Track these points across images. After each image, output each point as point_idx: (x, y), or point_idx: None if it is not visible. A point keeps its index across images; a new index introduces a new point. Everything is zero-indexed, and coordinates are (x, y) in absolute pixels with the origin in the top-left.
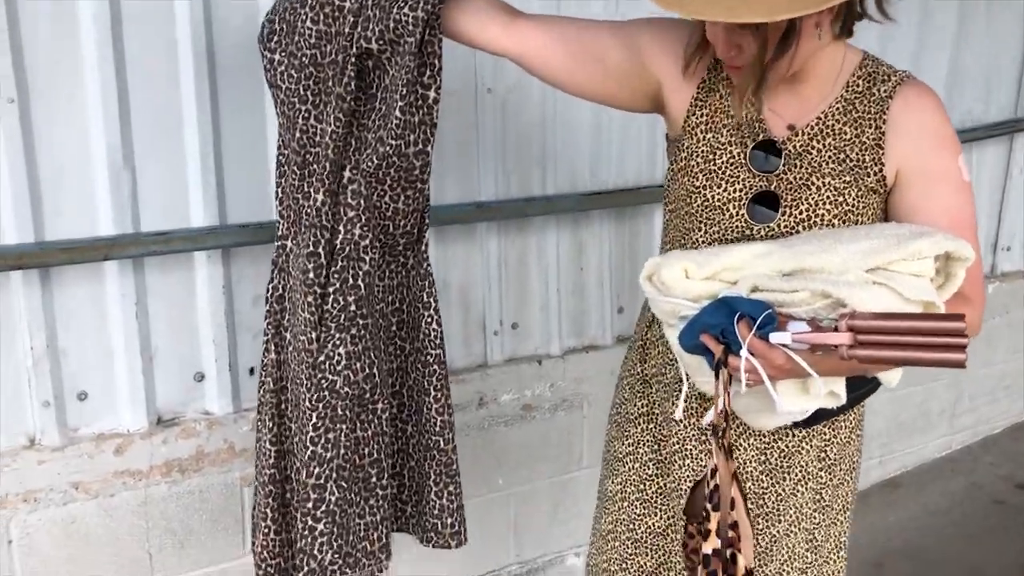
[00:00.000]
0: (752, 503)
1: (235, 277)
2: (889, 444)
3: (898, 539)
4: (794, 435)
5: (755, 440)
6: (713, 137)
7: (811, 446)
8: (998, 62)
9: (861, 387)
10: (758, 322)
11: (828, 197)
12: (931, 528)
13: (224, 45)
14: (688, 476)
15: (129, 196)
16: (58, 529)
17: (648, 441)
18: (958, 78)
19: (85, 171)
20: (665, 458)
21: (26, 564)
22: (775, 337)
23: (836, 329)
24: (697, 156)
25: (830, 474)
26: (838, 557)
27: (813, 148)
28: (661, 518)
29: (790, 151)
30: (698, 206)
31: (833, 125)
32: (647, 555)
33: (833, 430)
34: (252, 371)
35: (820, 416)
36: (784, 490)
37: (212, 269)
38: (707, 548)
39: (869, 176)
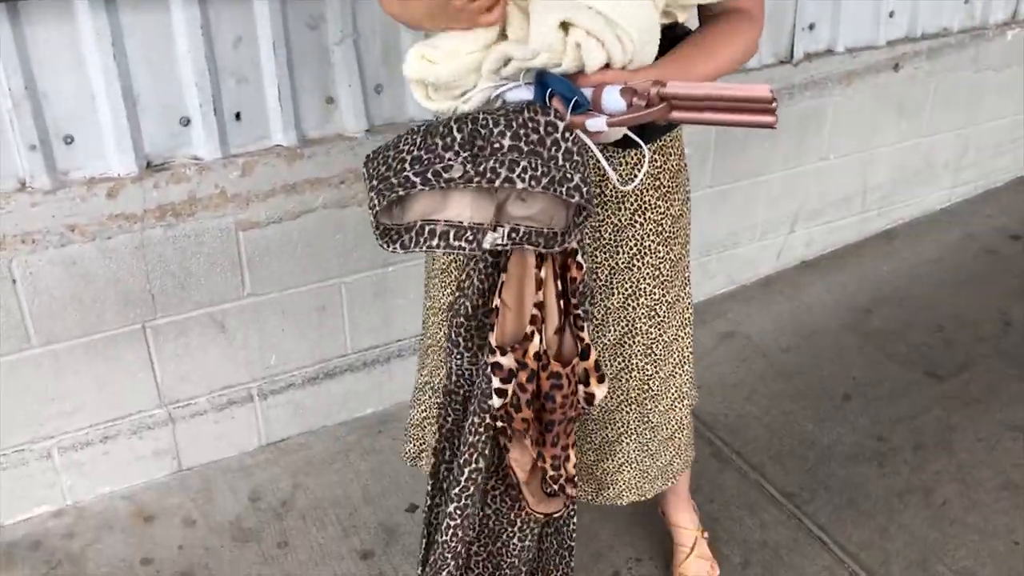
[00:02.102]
0: (588, 236)
1: (213, 18)
2: (890, 196)
3: (888, 287)
4: (626, 162)
5: None
6: None
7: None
8: None
9: None
10: (570, 104)
11: None
12: (921, 276)
13: None
14: None
15: None
16: (60, 269)
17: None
18: None
19: None
20: None
21: (32, 302)
22: (591, 124)
23: (649, 103)
24: None
25: (667, 203)
26: (685, 295)
27: None
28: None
29: None
30: None
31: None
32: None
33: (663, 156)
34: (238, 116)
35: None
36: (621, 220)
37: (189, 10)
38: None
39: None
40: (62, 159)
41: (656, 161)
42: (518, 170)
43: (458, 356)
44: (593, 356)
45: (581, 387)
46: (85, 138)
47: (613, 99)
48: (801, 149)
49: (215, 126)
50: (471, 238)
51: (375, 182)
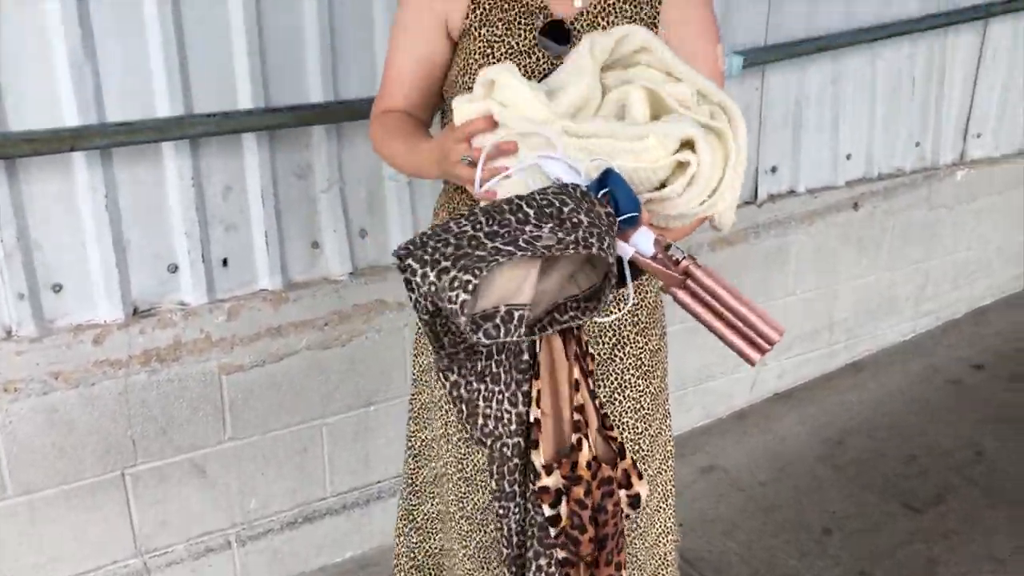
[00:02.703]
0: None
1: (204, 169)
2: (855, 329)
3: (858, 418)
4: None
5: None
6: (488, 31)
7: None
8: None
9: None
10: (621, 217)
11: None
12: (890, 407)
13: None
14: None
15: (92, 87)
16: (41, 417)
17: (455, 423)
18: None
19: (46, 64)
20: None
21: (11, 452)
22: (620, 247)
23: (677, 262)
24: (475, 53)
25: (646, 338)
26: (667, 428)
27: (599, 24)
28: (484, 495)
29: (578, 30)
30: None
31: (614, 4)
32: (482, 531)
33: (640, 294)
34: (225, 262)
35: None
36: (601, 354)
37: (180, 160)
38: (532, 415)
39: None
40: (50, 307)
41: (634, 297)
42: (606, 243)
43: (516, 509)
44: (629, 454)
45: (622, 491)
46: (74, 286)
47: (646, 241)
48: (768, 285)
49: (203, 272)
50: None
51: (443, 262)
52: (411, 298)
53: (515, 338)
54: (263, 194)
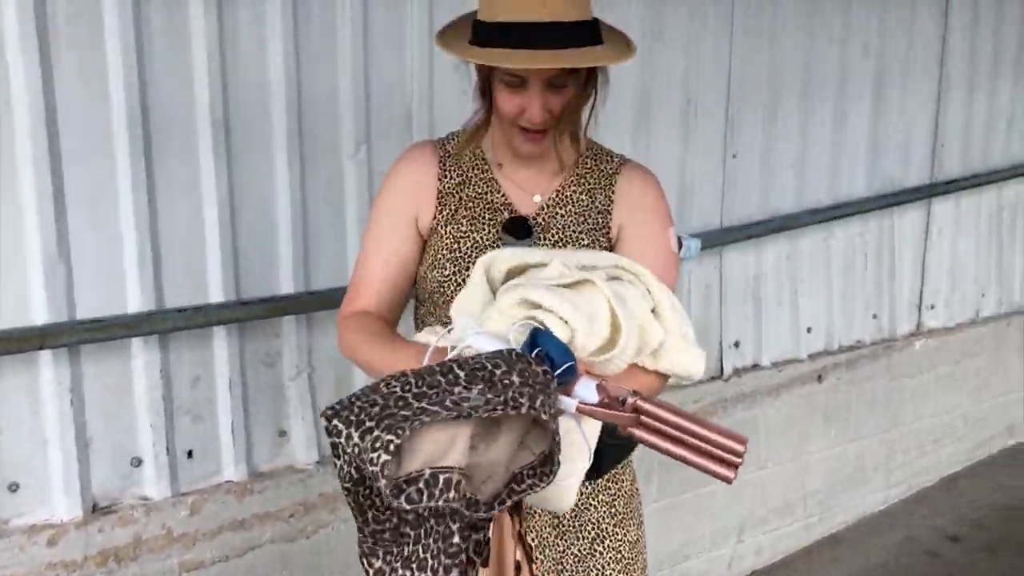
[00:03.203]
0: (551, 569)
1: (173, 360)
2: (827, 501)
3: None
4: (581, 492)
5: None
6: (455, 228)
7: (599, 501)
8: (913, 133)
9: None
10: (558, 371)
11: None
12: None
13: (160, 129)
14: None
15: (64, 283)
16: None
17: None
18: (878, 147)
19: (19, 261)
20: None
21: None
22: (563, 401)
23: (623, 403)
24: (442, 249)
25: (624, 530)
26: None
27: (558, 215)
28: None
29: (539, 223)
30: (451, 293)
31: (571, 195)
32: None
33: (617, 484)
34: (190, 454)
35: (606, 466)
36: (581, 550)
37: (149, 355)
38: None
39: (602, 236)
40: (4, 507)
41: (610, 488)
42: (539, 401)
43: None
44: None
45: None
46: (31, 485)
47: (587, 390)
48: None
49: (167, 465)
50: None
51: (368, 422)
52: (336, 464)
53: (440, 503)
54: (231, 383)
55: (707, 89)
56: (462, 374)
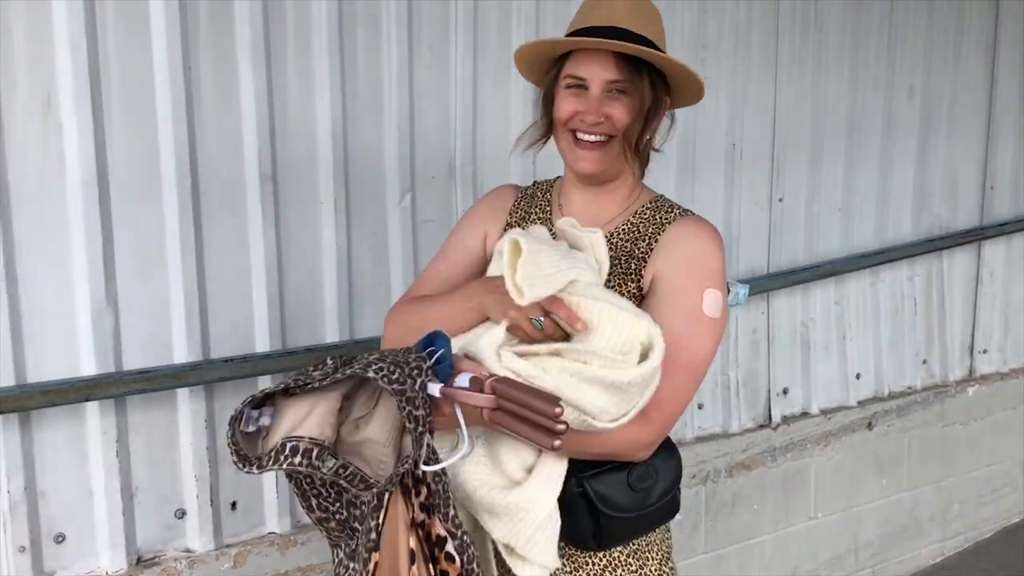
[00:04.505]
0: None
1: (218, 410)
2: (880, 553)
3: None
4: (594, 563)
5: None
6: None
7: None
8: (961, 175)
9: (648, 504)
10: (433, 359)
11: None
12: None
13: (208, 183)
14: None
15: (112, 335)
16: None
17: None
18: (925, 190)
19: (68, 313)
20: None
21: None
22: (430, 387)
23: (482, 390)
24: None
25: None
26: None
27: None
28: None
29: None
30: None
31: (618, 242)
32: None
33: (639, 560)
34: (234, 505)
35: (607, 538)
36: None
37: (195, 404)
38: None
39: (631, 282)
40: (50, 559)
41: (631, 564)
42: (374, 367)
43: None
44: None
45: None
46: (77, 536)
47: (462, 379)
48: (789, 509)
49: (210, 517)
50: (320, 459)
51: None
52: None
53: (286, 467)
54: None
55: (752, 133)
56: (331, 363)
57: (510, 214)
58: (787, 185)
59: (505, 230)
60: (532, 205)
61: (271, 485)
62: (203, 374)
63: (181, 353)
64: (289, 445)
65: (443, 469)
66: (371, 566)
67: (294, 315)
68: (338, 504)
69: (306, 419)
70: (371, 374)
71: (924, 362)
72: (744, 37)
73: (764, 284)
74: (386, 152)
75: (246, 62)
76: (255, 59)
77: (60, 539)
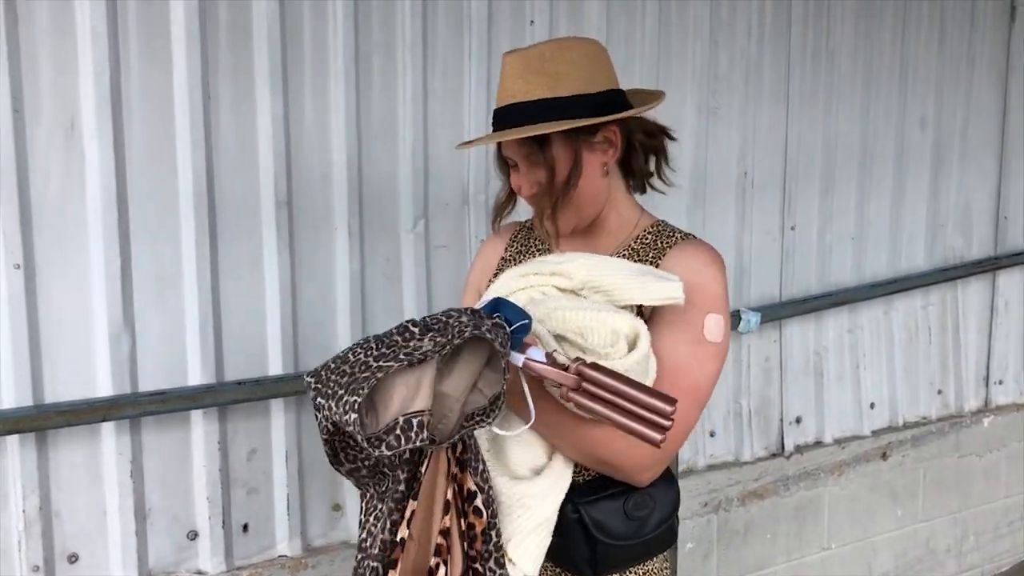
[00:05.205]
0: None
1: (231, 433)
2: None
3: None
4: None
5: None
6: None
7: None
8: (974, 205)
9: (647, 532)
10: (511, 328)
11: None
12: None
13: (224, 207)
14: None
15: (128, 357)
16: None
17: None
18: (938, 220)
19: (86, 334)
20: None
21: None
22: (512, 356)
23: (567, 370)
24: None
25: None
26: None
27: None
28: None
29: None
30: None
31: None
32: None
33: None
34: (245, 528)
35: (603, 566)
36: None
37: (208, 426)
38: (398, 535)
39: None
40: None
41: None
42: (484, 327)
43: None
44: None
45: None
46: (90, 556)
47: (537, 353)
48: (802, 540)
49: (222, 539)
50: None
51: (339, 391)
52: (316, 417)
53: (417, 444)
54: (287, 456)
55: (764, 162)
56: (416, 330)
57: (505, 251)
58: (799, 214)
59: (497, 271)
60: (530, 238)
61: (283, 507)
62: (217, 396)
63: (195, 375)
64: (415, 421)
65: (475, 429)
66: (408, 512)
67: (307, 339)
68: (363, 453)
69: (418, 391)
70: (488, 336)
71: (939, 392)
72: (756, 67)
73: (776, 312)
74: (400, 178)
75: (263, 88)
76: (272, 86)
77: (73, 559)
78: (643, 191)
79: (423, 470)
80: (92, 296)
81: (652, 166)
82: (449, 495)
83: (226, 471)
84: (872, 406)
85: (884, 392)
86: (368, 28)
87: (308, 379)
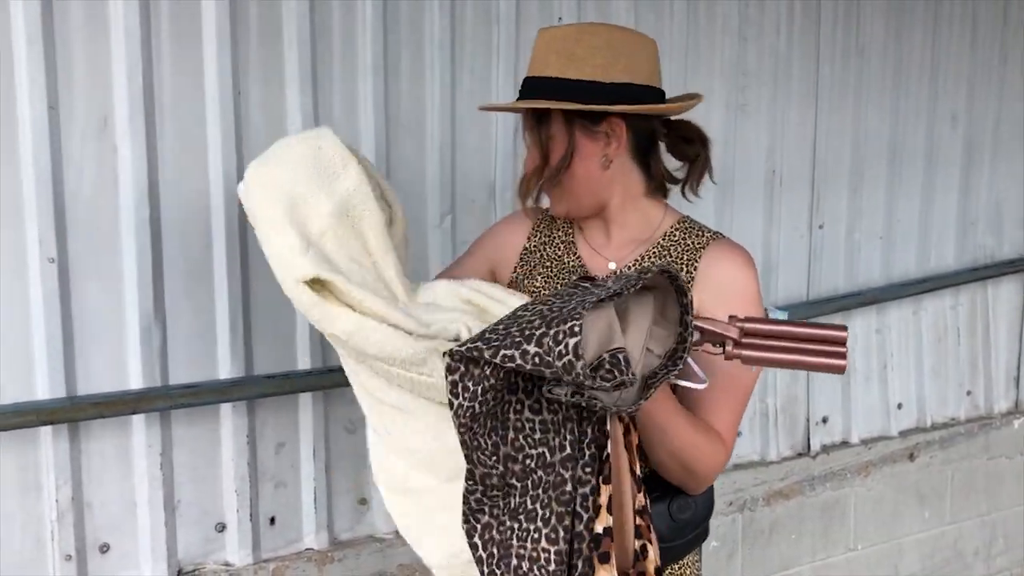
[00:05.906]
0: None
1: (259, 426)
2: None
3: None
4: None
5: None
6: (531, 283)
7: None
8: (1006, 204)
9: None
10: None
11: None
12: None
13: None
14: None
15: (159, 350)
16: None
17: None
18: (968, 219)
19: (118, 327)
20: None
21: None
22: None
23: (725, 341)
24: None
25: None
26: None
27: None
28: None
29: None
30: None
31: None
32: None
33: None
34: (272, 520)
35: None
36: None
37: (237, 420)
38: (599, 526)
39: None
40: (94, 568)
41: None
42: (670, 276)
43: None
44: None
45: None
46: (121, 546)
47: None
48: (828, 540)
49: (249, 531)
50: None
51: (534, 332)
52: (455, 404)
53: (628, 378)
54: (314, 450)
55: (792, 160)
56: (589, 284)
57: (528, 239)
58: (827, 212)
59: (521, 260)
60: (554, 228)
61: (309, 500)
62: (246, 390)
63: (225, 369)
64: (621, 356)
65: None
66: (605, 498)
67: None
68: (495, 459)
69: (611, 333)
70: (668, 276)
71: (968, 393)
72: (784, 64)
73: (804, 311)
74: (427, 175)
75: (293, 86)
76: (302, 83)
77: (105, 549)
78: (664, 195)
79: (605, 453)
80: (124, 290)
81: (685, 173)
82: (638, 468)
83: (254, 465)
84: (900, 406)
85: (912, 392)
86: (397, 26)
87: (457, 349)
